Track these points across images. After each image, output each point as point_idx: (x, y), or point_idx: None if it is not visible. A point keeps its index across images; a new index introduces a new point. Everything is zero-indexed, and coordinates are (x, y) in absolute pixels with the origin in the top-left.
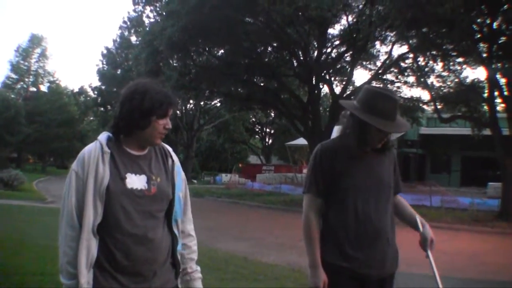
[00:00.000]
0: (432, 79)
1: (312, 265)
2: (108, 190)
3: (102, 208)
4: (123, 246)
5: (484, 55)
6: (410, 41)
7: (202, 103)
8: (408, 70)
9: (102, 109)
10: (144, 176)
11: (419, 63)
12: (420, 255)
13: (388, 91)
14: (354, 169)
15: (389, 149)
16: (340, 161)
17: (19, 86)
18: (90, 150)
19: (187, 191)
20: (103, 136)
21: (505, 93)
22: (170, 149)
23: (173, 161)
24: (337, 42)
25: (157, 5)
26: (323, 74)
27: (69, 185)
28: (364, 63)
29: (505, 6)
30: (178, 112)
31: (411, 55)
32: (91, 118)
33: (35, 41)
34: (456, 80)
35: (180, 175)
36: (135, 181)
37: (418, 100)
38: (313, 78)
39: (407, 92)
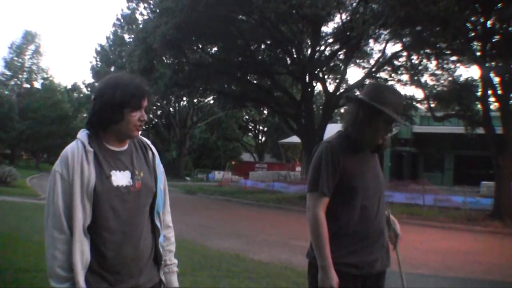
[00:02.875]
0: (425, 78)
1: (324, 266)
2: (95, 190)
3: (91, 209)
4: (112, 244)
5: (478, 53)
6: (404, 40)
7: (195, 100)
8: (402, 69)
9: None
10: (128, 172)
11: (413, 61)
12: (416, 255)
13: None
14: (361, 168)
15: (384, 150)
16: (349, 160)
17: (12, 82)
18: (73, 150)
19: (166, 183)
20: (83, 134)
21: (499, 91)
22: (148, 141)
23: (153, 153)
24: (330, 40)
25: (151, 2)
26: (316, 72)
27: (54, 187)
28: (357, 61)
29: (499, 5)
30: (171, 109)
31: (404, 54)
32: (84, 115)
33: (29, 37)
34: (450, 78)
35: (160, 167)
36: (120, 178)
37: (412, 98)
38: (307, 76)
39: (400, 90)
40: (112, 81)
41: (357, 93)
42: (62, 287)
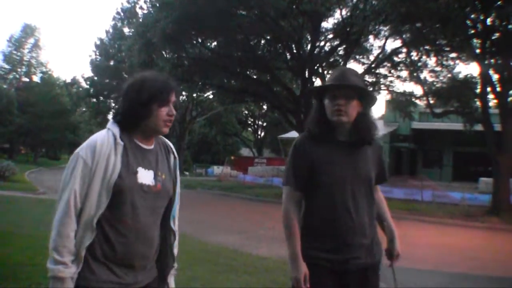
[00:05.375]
0: (425, 74)
1: (293, 258)
2: (118, 183)
3: (108, 201)
4: (124, 239)
5: (477, 51)
6: (404, 36)
7: (194, 95)
8: (401, 65)
9: (94, 100)
10: (152, 171)
11: (412, 57)
12: (414, 251)
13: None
14: (330, 162)
15: (368, 142)
16: (316, 153)
17: (11, 76)
18: (103, 139)
19: (179, 189)
20: (114, 126)
21: (498, 89)
22: (172, 145)
23: (175, 157)
24: (330, 36)
25: None
26: (316, 68)
27: (73, 171)
28: (357, 57)
29: (499, 2)
30: None
31: (404, 50)
32: (83, 109)
33: (28, 31)
34: (449, 75)
35: (178, 172)
36: (145, 176)
37: (411, 94)
38: (306, 72)
39: (400, 86)
40: (139, 79)
41: None
42: (56, 268)
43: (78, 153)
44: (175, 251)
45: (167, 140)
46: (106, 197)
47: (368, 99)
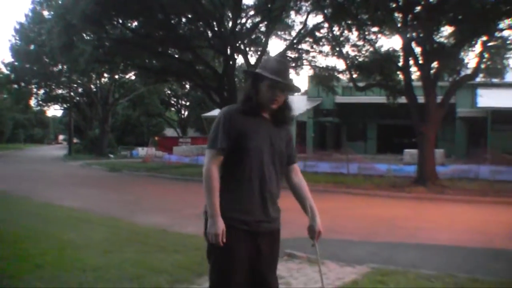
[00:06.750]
0: (347, 49)
1: (212, 215)
2: None
3: None
4: None
5: (399, 24)
6: (325, 11)
7: (116, 76)
8: (324, 40)
9: (15, 86)
10: None
11: (334, 32)
12: (342, 223)
13: (280, 56)
14: (255, 132)
15: (286, 123)
16: (244, 124)
17: None
18: None
19: None
20: None
21: (420, 61)
22: None
23: None
24: (252, 13)
25: None
26: (238, 45)
27: None
28: (279, 33)
29: None
30: (92, 86)
31: (326, 25)
32: (4, 96)
33: None
34: (371, 49)
35: None
36: None
37: (334, 69)
38: (228, 49)
39: (322, 61)
40: None
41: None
42: None
43: None
44: None
45: None
46: None
47: (294, 91)
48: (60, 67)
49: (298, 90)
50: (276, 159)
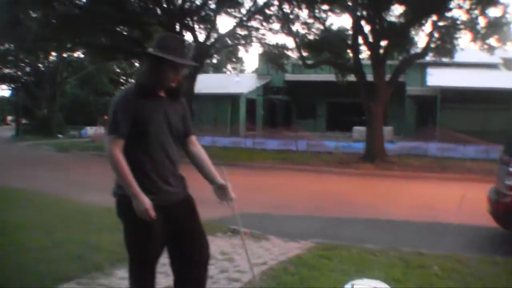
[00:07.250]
0: (297, 26)
1: (134, 193)
2: None
3: None
4: None
5: (349, 3)
6: None
7: (64, 55)
8: (273, 17)
9: None
10: None
11: (284, 10)
12: (288, 198)
13: (175, 34)
14: (153, 114)
15: (181, 97)
16: (141, 106)
17: None
18: None
19: None
20: None
21: (370, 40)
22: None
23: None
24: None
25: None
26: (186, 22)
27: None
28: (228, 10)
29: None
30: (40, 65)
31: (276, 2)
32: None
33: None
34: (321, 27)
35: None
36: None
37: (283, 47)
38: (177, 26)
39: (272, 39)
40: None
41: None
42: None
43: None
44: None
45: None
46: None
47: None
48: (6, 46)
49: (196, 66)
50: (174, 135)
